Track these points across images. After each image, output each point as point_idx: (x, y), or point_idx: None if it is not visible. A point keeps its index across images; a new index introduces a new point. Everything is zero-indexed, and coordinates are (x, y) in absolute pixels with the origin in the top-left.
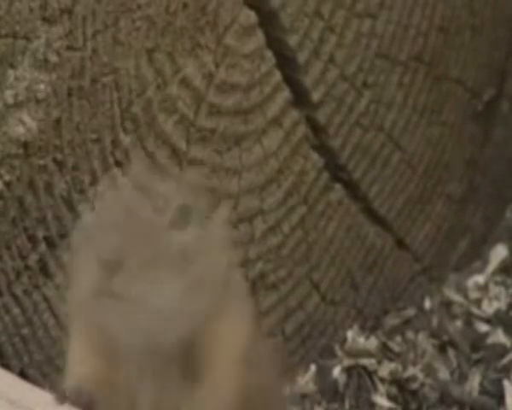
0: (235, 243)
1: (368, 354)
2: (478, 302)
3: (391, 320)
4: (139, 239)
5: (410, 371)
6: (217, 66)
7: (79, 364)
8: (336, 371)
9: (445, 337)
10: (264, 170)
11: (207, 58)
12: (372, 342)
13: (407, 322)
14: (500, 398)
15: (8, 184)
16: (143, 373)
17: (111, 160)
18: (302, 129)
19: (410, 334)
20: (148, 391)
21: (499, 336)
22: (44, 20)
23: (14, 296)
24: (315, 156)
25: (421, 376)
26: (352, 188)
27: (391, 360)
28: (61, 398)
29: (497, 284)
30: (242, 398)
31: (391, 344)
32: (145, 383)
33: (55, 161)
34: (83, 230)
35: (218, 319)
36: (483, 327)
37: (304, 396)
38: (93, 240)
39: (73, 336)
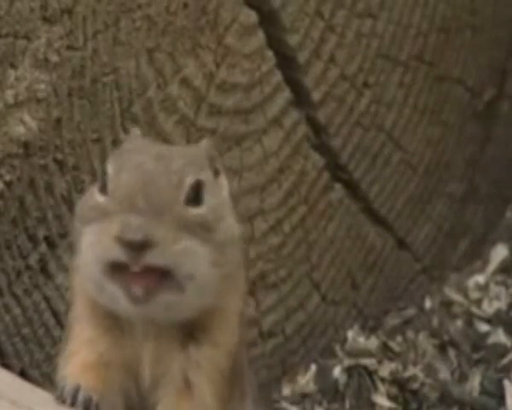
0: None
1: (368, 353)
2: (478, 302)
3: (391, 320)
4: (161, 215)
5: (411, 370)
6: (217, 66)
7: (86, 346)
8: (337, 371)
9: (446, 337)
10: (264, 170)
11: (208, 58)
12: (372, 342)
13: (407, 322)
14: (500, 398)
15: (8, 184)
16: (147, 341)
17: None
18: (302, 129)
19: (410, 334)
20: (149, 357)
21: (500, 336)
22: (45, 19)
23: (15, 296)
24: (315, 156)
25: (421, 376)
26: (352, 188)
27: (391, 359)
28: (60, 398)
29: (497, 283)
30: (234, 357)
31: (391, 344)
32: (147, 350)
33: (55, 160)
34: (93, 208)
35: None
36: (483, 327)
37: (304, 396)
38: (111, 218)
39: (77, 321)
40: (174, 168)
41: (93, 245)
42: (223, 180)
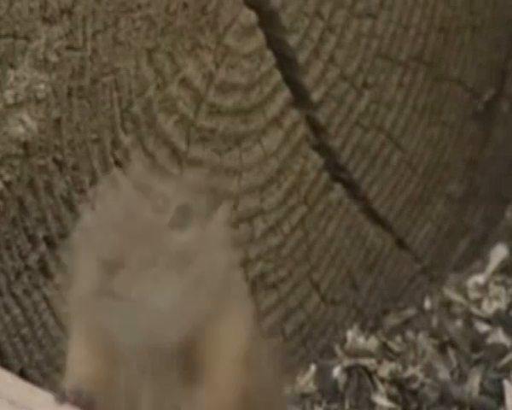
0: (236, 243)
1: (368, 354)
2: (478, 302)
3: (391, 320)
4: (139, 239)
5: (410, 371)
6: (217, 66)
7: (79, 364)
8: (336, 371)
9: (445, 337)
10: (264, 170)
11: (207, 58)
12: (372, 342)
13: (407, 322)
14: (500, 398)
15: (8, 184)
16: (144, 374)
17: (111, 160)
18: (302, 129)
19: (410, 334)
20: (148, 392)
21: (499, 336)
22: (44, 20)
23: (15, 296)
24: (315, 156)
25: (421, 376)
26: (352, 188)
27: (391, 359)
28: (61, 398)
29: (497, 283)
30: (242, 398)
31: (391, 344)
32: (145, 384)
33: (55, 161)
34: (83, 229)
35: (217, 320)
36: (483, 327)
37: (304, 396)
38: (93, 240)
39: (73, 337)
40: (160, 191)
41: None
42: (218, 216)
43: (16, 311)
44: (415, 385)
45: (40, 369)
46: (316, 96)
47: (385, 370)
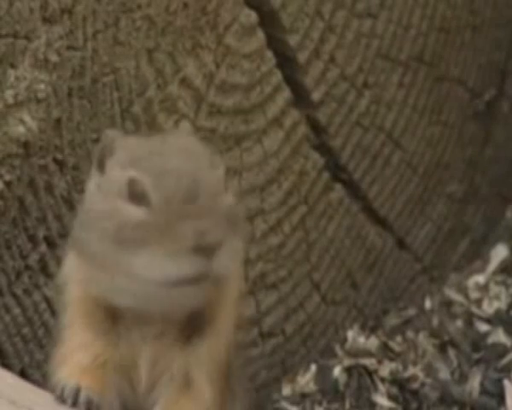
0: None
1: (368, 353)
2: (478, 302)
3: (391, 320)
4: (212, 212)
5: (411, 370)
6: (217, 66)
7: (80, 349)
8: (337, 371)
9: (446, 337)
10: (264, 170)
11: (208, 58)
12: (372, 342)
13: (407, 322)
14: (500, 398)
15: (8, 184)
16: (144, 339)
17: None
18: (302, 129)
19: (410, 334)
20: (147, 355)
21: (500, 336)
22: (45, 19)
23: (15, 296)
24: (315, 156)
25: (421, 375)
26: (352, 188)
27: (391, 359)
28: (61, 398)
29: (497, 283)
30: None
31: (391, 344)
32: (145, 348)
33: (55, 160)
34: (137, 225)
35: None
36: (483, 327)
37: (304, 396)
38: (171, 232)
39: (69, 326)
40: (204, 164)
41: (161, 265)
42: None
43: (17, 311)
44: (415, 385)
45: (40, 369)
46: (316, 96)
47: (385, 370)
